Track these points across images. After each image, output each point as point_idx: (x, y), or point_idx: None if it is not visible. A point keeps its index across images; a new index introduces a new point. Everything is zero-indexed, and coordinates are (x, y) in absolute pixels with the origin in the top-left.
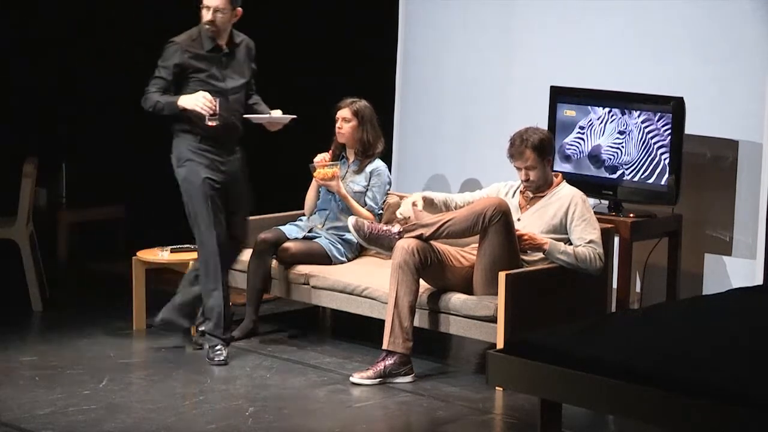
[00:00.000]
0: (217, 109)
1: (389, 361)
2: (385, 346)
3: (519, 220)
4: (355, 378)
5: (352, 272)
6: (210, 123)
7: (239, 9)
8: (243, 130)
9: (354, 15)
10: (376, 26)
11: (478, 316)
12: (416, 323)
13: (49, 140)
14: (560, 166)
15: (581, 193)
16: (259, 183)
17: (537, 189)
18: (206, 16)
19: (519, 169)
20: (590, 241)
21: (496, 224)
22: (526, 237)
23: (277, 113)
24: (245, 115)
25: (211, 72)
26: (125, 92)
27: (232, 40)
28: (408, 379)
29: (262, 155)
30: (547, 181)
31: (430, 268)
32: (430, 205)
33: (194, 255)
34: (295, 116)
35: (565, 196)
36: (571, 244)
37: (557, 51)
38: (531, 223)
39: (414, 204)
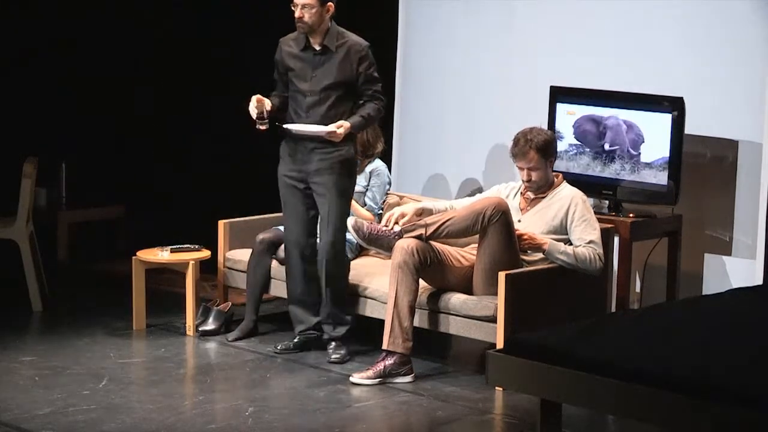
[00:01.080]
0: (265, 113)
1: (389, 361)
2: (385, 346)
3: (520, 221)
4: (355, 378)
5: (352, 272)
6: (259, 127)
7: (330, 4)
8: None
9: (353, 15)
10: (376, 26)
11: (478, 316)
12: (416, 323)
13: (49, 140)
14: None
15: (581, 193)
16: (260, 183)
17: (538, 189)
18: (295, 13)
19: (521, 169)
20: (590, 242)
21: (495, 224)
22: (525, 237)
23: (332, 126)
24: (279, 124)
25: (297, 71)
26: (126, 92)
27: (329, 41)
28: (408, 379)
29: (263, 155)
30: (548, 182)
31: (430, 268)
32: (428, 215)
33: (194, 255)
34: (328, 130)
35: (565, 197)
36: (571, 244)
37: (557, 51)
38: (532, 224)
39: (417, 212)
